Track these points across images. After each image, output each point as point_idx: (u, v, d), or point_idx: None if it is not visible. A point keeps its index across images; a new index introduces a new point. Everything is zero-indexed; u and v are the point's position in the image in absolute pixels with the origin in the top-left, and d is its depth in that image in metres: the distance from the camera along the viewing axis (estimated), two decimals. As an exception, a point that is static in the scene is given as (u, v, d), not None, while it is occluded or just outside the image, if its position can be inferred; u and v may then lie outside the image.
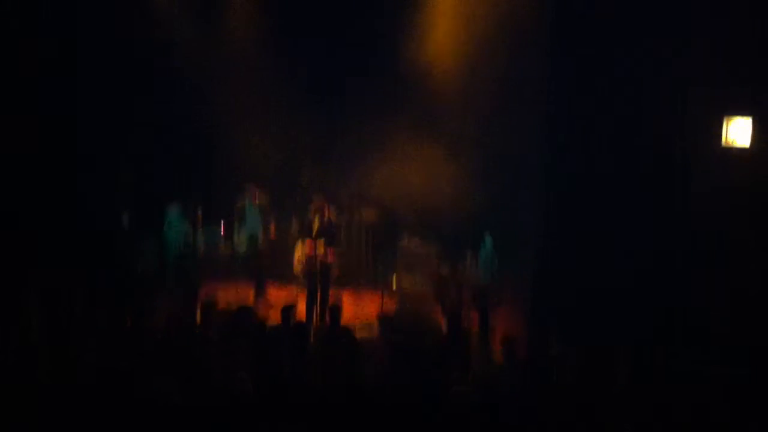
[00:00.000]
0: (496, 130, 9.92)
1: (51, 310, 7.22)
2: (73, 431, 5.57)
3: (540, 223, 9.07)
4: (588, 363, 6.32)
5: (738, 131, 8.27)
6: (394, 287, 10.46)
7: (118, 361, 6.63)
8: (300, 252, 9.80)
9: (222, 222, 11.10)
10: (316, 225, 9.56)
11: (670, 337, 7.68)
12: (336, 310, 7.94)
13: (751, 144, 8.22)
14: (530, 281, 9.16)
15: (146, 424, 5.54)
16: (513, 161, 9.98)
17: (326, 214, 9.63)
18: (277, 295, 10.44)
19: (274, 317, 9.33)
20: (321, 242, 9.55)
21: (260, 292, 10.56)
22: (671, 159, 8.34)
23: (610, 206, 8.35)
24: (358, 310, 9.90)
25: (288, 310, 7.82)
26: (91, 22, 9.37)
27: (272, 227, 10.49)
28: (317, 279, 9.61)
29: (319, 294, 9.65)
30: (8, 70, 8.84)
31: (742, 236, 8.11)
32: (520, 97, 9.51)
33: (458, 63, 10.11)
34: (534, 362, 6.63)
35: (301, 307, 9.15)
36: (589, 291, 8.20)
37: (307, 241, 9.64)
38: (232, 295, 10.56)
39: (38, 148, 9.00)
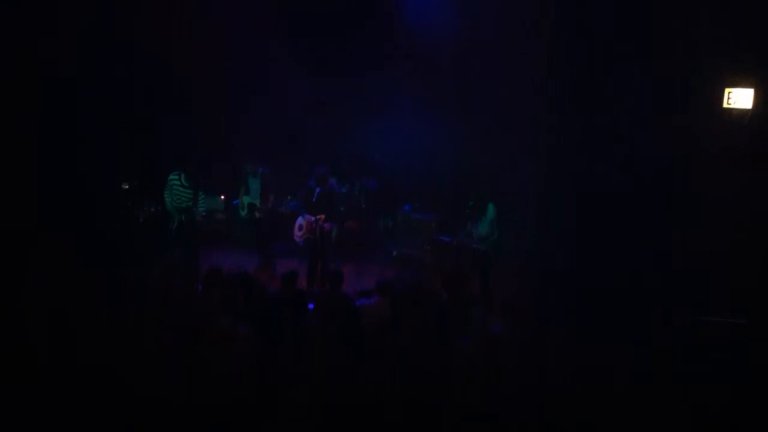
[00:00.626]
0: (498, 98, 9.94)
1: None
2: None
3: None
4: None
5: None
6: (394, 254, 10.49)
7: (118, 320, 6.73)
8: (301, 221, 9.79)
9: (223, 189, 11.10)
10: (317, 194, 9.52)
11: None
12: (336, 276, 7.98)
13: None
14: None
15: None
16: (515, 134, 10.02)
17: (327, 182, 9.60)
18: (279, 264, 10.54)
19: (276, 285, 9.43)
20: (322, 211, 9.53)
21: (261, 260, 10.60)
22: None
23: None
24: (359, 280, 9.95)
25: (289, 276, 7.85)
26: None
27: (273, 196, 10.45)
28: (318, 247, 9.63)
29: (319, 264, 9.67)
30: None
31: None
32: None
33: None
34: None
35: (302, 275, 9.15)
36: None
37: (308, 210, 9.62)
38: (232, 262, 10.65)
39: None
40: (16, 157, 8.50)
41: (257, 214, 10.32)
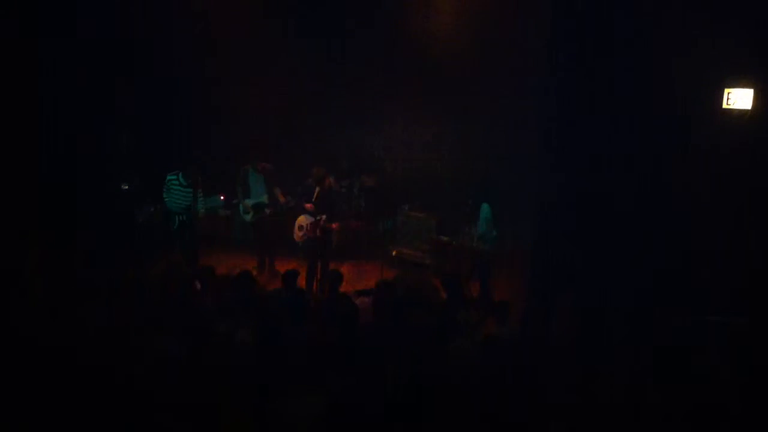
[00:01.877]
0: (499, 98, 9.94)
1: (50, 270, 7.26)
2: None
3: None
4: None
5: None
6: (394, 254, 10.48)
7: (118, 320, 6.72)
8: (301, 220, 9.78)
9: (223, 189, 11.07)
10: (316, 193, 9.50)
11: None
12: (336, 277, 7.97)
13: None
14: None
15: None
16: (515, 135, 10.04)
17: (327, 182, 9.58)
18: (278, 264, 10.54)
19: (275, 285, 9.41)
20: (321, 210, 9.51)
21: (262, 260, 10.58)
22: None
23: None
24: (358, 280, 9.98)
25: (290, 276, 7.85)
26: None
27: (272, 196, 10.41)
28: (317, 247, 9.61)
29: (319, 263, 9.66)
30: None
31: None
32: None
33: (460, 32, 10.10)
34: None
35: (302, 275, 9.13)
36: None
37: (308, 208, 9.60)
38: (233, 261, 10.65)
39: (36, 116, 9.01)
40: (16, 156, 8.51)
41: (267, 211, 10.25)
